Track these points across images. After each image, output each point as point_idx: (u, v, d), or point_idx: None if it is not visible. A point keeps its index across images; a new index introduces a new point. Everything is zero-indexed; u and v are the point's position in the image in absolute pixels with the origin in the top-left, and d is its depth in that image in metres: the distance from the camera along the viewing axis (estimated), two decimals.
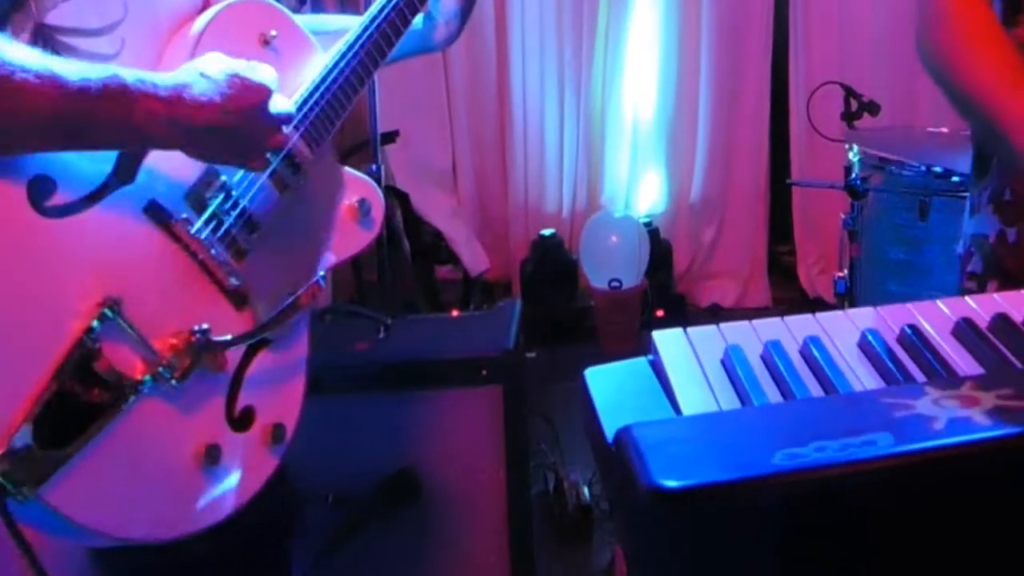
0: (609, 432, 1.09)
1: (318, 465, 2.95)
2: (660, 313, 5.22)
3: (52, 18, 1.53)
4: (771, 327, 1.35)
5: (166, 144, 1.53)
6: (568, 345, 5.02)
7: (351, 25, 1.91)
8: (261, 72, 1.61)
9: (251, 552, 1.84)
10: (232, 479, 1.65)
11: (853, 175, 3.41)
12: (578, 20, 5.32)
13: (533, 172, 5.50)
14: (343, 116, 1.85)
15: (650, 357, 1.31)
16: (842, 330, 1.34)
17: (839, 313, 1.39)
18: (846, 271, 3.59)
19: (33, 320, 1.42)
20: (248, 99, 1.57)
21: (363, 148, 4.69)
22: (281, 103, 1.64)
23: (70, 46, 1.55)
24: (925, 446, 0.98)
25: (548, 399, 3.90)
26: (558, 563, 3.59)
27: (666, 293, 5.31)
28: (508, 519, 3.00)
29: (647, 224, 5.26)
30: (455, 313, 3.90)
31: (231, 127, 1.55)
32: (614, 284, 5.04)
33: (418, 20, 2.04)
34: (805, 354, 1.27)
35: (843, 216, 3.54)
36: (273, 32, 1.79)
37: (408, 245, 5.32)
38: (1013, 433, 0.99)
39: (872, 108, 3.86)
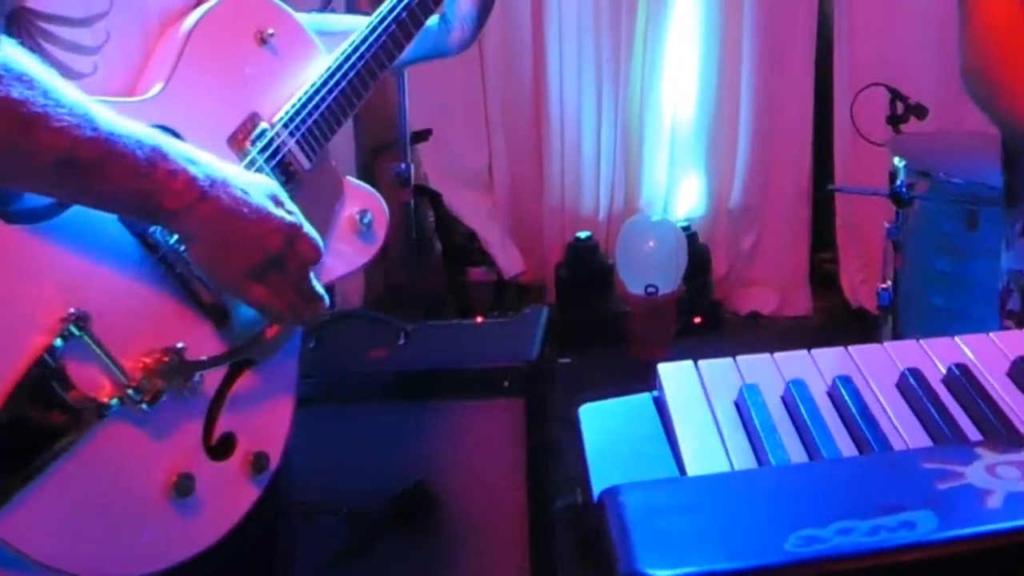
0: (596, 486, 0.94)
1: (330, 476, 2.88)
2: (697, 320, 5.09)
3: (33, 2, 1.43)
4: (796, 361, 1.19)
5: (181, 215, 1.40)
6: (602, 351, 4.91)
7: (359, 26, 1.80)
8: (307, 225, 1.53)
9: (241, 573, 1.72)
10: (206, 512, 1.52)
11: (898, 182, 3.26)
12: (616, 18, 5.16)
13: (569, 173, 5.36)
14: (345, 121, 1.75)
15: (655, 393, 1.16)
16: (879, 367, 1.17)
17: (876, 347, 1.23)
18: (889, 282, 3.44)
19: None
20: (276, 215, 1.48)
21: (392, 147, 4.61)
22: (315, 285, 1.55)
23: (50, 34, 1.45)
24: (977, 532, 0.80)
25: (579, 407, 3.77)
26: None
27: (704, 300, 5.16)
28: (529, 537, 2.92)
29: (685, 228, 5.12)
30: (479, 319, 3.77)
31: (249, 223, 1.45)
32: (650, 290, 4.91)
33: (432, 21, 1.93)
34: (834, 397, 1.10)
35: (887, 225, 3.39)
36: (271, 30, 1.68)
37: (440, 246, 5.24)
38: None
39: (919, 111, 3.70)
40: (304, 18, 1.80)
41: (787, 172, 5.19)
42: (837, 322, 5.08)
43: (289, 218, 1.49)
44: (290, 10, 1.74)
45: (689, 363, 1.18)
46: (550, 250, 5.37)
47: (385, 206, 1.84)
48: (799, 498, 0.88)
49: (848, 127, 4.29)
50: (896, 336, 3.39)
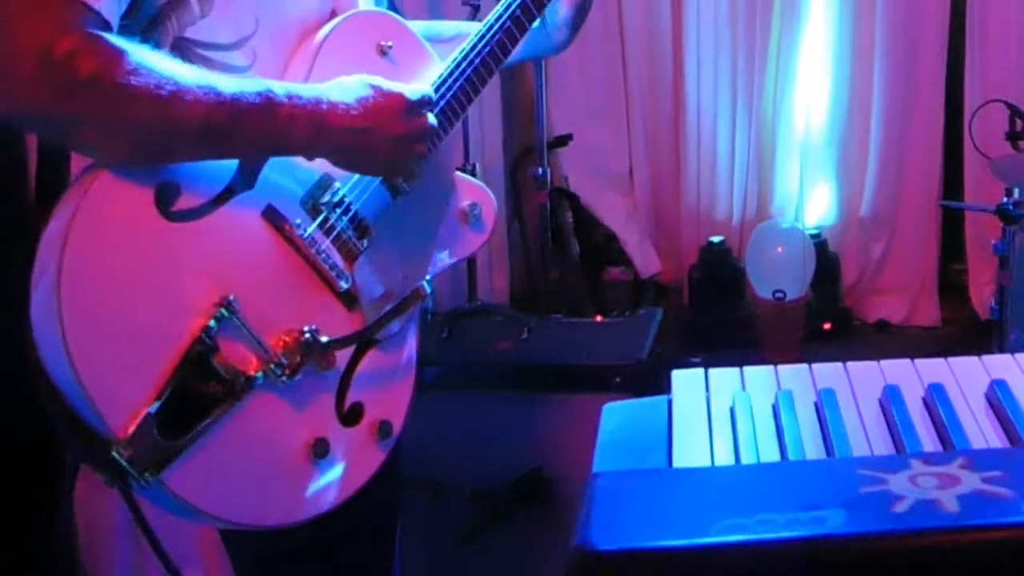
0: (596, 469, 1.13)
1: (456, 457, 3.12)
2: (827, 326, 5.12)
3: (190, 32, 1.64)
4: (794, 374, 1.34)
5: (309, 148, 1.63)
6: (733, 352, 4.96)
7: (467, 31, 1.95)
8: (406, 88, 1.72)
9: (357, 539, 1.87)
10: (339, 472, 1.70)
11: (1004, 199, 3.30)
12: (751, 30, 5.26)
13: (705, 179, 5.46)
14: (457, 122, 1.90)
15: (670, 396, 1.33)
16: (867, 383, 1.30)
17: (872, 364, 1.37)
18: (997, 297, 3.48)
19: (157, 317, 1.51)
20: (382, 104, 1.68)
21: (535, 151, 4.80)
22: (418, 88, 1.74)
23: (205, 58, 1.65)
24: (871, 530, 0.92)
25: None
26: None
27: (833, 306, 5.20)
28: None
29: (815, 236, 5.17)
30: (598, 318, 3.93)
31: (366, 129, 1.65)
32: (778, 295, 4.98)
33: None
34: (818, 408, 1.26)
35: (993, 241, 3.43)
36: (389, 42, 1.84)
37: (577, 246, 5.39)
38: (973, 524, 0.92)
39: None
40: (417, 25, 1.95)
41: (917, 182, 5.18)
42: (966, 333, 5.06)
43: (395, 96, 1.69)
44: (406, 23, 1.90)
45: (700, 370, 1.35)
46: (686, 252, 5.48)
47: (493, 199, 1.99)
48: (741, 492, 1.01)
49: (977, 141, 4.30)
50: (1002, 350, 3.43)
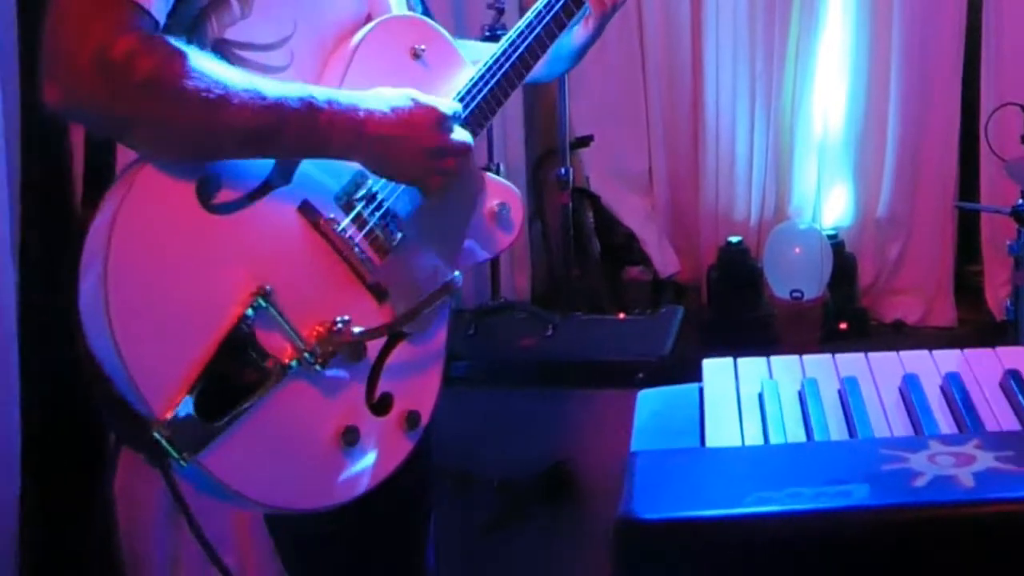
0: (633, 448, 1.20)
1: (483, 450, 3.20)
2: (843, 326, 5.17)
3: (230, 34, 1.70)
4: (818, 364, 1.41)
5: (346, 153, 1.70)
6: (751, 351, 4.97)
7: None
8: (441, 102, 1.79)
9: (388, 525, 1.92)
10: (368, 459, 1.74)
11: (1021, 200, 3.36)
12: (770, 34, 5.32)
13: (724, 179, 5.52)
14: (486, 125, 1.96)
15: (701, 384, 1.40)
16: (887, 372, 1.37)
17: (891, 355, 1.44)
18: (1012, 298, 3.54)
19: (198, 305, 1.58)
20: (418, 115, 1.75)
21: (558, 152, 4.87)
22: (461, 133, 1.80)
23: (243, 59, 1.70)
24: (893, 502, 0.99)
25: None
26: None
27: (849, 307, 5.24)
28: None
29: (832, 237, 5.22)
30: (621, 315, 4.00)
31: (400, 138, 1.72)
32: (795, 295, 5.04)
33: None
34: (841, 395, 1.34)
35: (1008, 243, 3.49)
36: (423, 46, 1.90)
37: (598, 245, 5.45)
38: (987, 498, 1.00)
39: None
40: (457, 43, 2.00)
41: (933, 184, 5.22)
42: (981, 334, 5.07)
43: (430, 108, 1.75)
44: (440, 27, 1.95)
45: (729, 360, 1.43)
46: (705, 252, 5.53)
47: (522, 199, 2.03)
48: (771, 468, 1.08)
49: (993, 143, 4.35)
50: None
